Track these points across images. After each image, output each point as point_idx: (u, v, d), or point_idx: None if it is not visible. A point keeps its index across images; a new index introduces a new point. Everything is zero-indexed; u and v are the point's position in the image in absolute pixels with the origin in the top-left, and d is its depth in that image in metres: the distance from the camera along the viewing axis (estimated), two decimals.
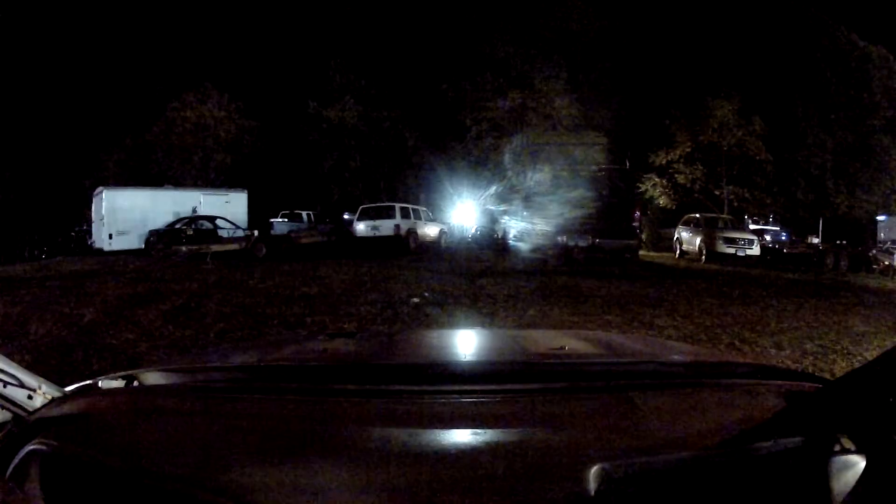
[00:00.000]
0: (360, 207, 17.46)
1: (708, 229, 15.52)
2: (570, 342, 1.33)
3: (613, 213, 13.54)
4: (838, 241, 16.05)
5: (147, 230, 14.57)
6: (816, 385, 0.87)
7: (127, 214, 14.95)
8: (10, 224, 21.03)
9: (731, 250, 14.59)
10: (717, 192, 22.95)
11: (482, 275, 9.17)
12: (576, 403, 0.76)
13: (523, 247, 15.55)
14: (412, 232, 16.10)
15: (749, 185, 22.93)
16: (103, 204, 14.93)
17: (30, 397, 0.79)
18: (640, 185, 22.32)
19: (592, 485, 0.59)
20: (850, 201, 23.08)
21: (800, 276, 11.24)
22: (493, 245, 16.98)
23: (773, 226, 24.22)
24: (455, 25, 21.99)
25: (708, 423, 0.71)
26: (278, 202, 23.44)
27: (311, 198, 25.57)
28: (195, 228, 14.31)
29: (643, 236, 19.00)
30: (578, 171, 21.04)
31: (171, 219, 15.02)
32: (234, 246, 13.28)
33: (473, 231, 20.61)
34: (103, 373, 0.86)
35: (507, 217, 19.66)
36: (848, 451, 0.66)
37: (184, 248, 12.36)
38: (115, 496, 0.61)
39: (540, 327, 5.13)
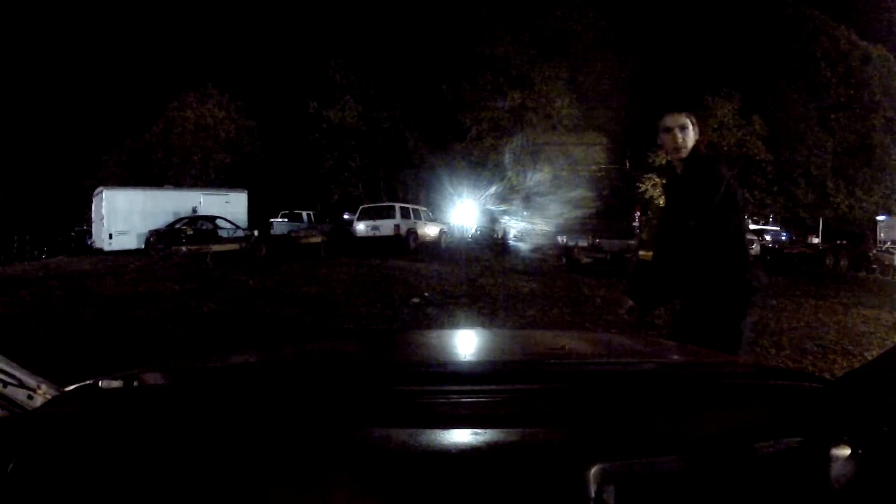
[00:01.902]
0: (360, 207, 17.46)
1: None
2: (570, 342, 1.33)
3: (613, 213, 13.57)
4: (838, 241, 16.03)
5: (147, 230, 14.57)
6: (816, 385, 0.87)
7: (127, 214, 14.94)
8: (10, 224, 21.03)
9: None
10: None
11: (482, 275, 9.17)
12: (576, 403, 0.76)
13: (523, 247, 15.55)
14: (412, 232, 16.10)
15: (749, 186, 22.92)
16: (103, 204, 14.92)
17: (30, 397, 0.79)
18: (640, 185, 22.33)
19: (592, 485, 0.59)
20: (850, 201, 23.09)
21: (799, 276, 11.24)
22: (493, 245, 16.97)
23: (773, 226, 24.21)
24: (455, 25, 21.97)
25: (708, 423, 0.71)
26: (278, 202, 23.44)
27: (311, 198, 25.58)
28: (195, 228, 14.31)
29: (643, 236, 19.01)
30: (578, 171, 21.06)
31: (171, 219, 15.01)
32: (234, 246, 13.29)
33: (473, 231, 20.61)
34: (103, 373, 0.86)
35: (507, 217, 19.66)
36: (848, 451, 0.66)
37: (184, 248, 12.36)
38: (115, 497, 0.61)
39: (540, 327, 5.13)
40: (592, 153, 21.37)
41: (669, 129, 1.89)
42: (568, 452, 0.63)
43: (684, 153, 1.89)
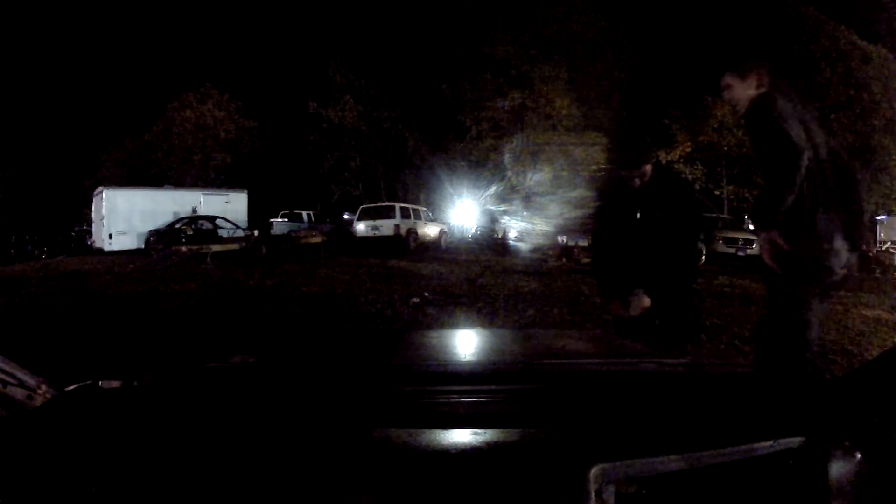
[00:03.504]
0: (360, 207, 17.45)
1: (707, 229, 15.49)
2: (570, 342, 1.33)
3: None
4: None
5: (147, 230, 14.57)
6: (816, 385, 0.87)
7: (127, 214, 14.95)
8: (10, 224, 21.04)
9: (731, 250, 14.58)
10: (717, 192, 22.96)
11: (482, 275, 9.17)
12: (575, 403, 0.76)
13: (523, 247, 15.54)
14: (412, 232, 16.10)
15: (749, 185, 22.92)
16: (103, 204, 14.93)
17: (30, 397, 0.79)
18: None
19: (592, 485, 0.59)
20: None
21: None
22: (493, 245, 16.95)
23: None
24: (455, 25, 21.97)
25: (708, 423, 0.71)
26: (278, 202, 23.46)
27: (311, 198, 25.61)
28: (195, 228, 14.32)
29: None
30: (578, 171, 21.05)
31: (171, 219, 15.02)
32: (234, 246, 13.28)
33: (473, 231, 20.60)
34: (103, 373, 0.86)
35: (507, 217, 19.64)
36: (848, 451, 0.66)
37: (184, 248, 12.35)
38: (115, 497, 0.61)
39: (540, 327, 5.13)
40: (592, 153, 21.36)
41: (631, 177, 2.20)
42: (568, 452, 0.63)
43: (641, 184, 2.21)
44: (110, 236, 14.73)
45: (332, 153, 24.12)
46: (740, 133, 22.19)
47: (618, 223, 2.26)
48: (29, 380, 0.80)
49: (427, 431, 0.66)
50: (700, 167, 22.58)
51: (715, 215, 18.02)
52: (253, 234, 14.36)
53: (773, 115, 1.94)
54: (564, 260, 12.92)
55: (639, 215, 2.17)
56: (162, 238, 13.71)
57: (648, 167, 2.17)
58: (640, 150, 2.18)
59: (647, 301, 2.10)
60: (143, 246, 14.26)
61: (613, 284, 2.24)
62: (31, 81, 26.12)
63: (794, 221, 1.72)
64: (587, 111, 21.84)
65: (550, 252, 13.92)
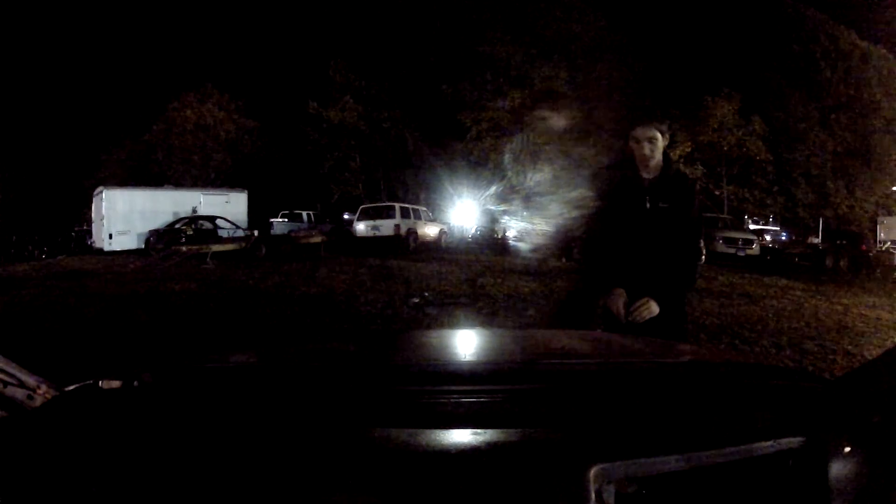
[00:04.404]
0: (360, 207, 17.46)
1: (707, 229, 15.50)
2: (570, 342, 1.34)
3: None
4: (838, 241, 16.05)
5: (147, 230, 14.58)
6: (816, 385, 0.87)
7: (127, 214, 14.96)
8: (10, 224, 21.05)
9: (731, 250, 14.59)
10: (717, 192, 22.96)
11: (482, 275, 9.17)
12: (575, 403, 0.76)
13: (523, 247, 15.54)
14: (412, 232, 16.10)
15: (749, 185, 22.93)
16: (103, 204, 14.93)
17: (30, 397, 0.79)
18: None
19: (592, 485, 0.59)
20: (850, 201, 23.09)
21: (799, 276, 11.24)
22: (493, 245, 16.95)
23: (773, 226, 24.21)
24: (455, 25, 21.97)
25: (708, 423, 0.71)
26: (278, 202, 23.47)
27: (311, 198, 25.62)
28: (195, 228, 14.33)
29: None
30: (578, 171, 21.06)
31: (171, 219, 15.03)
32: (234, 246, 13.27)
33: (473, 231, 20.61)
34: (103, 373, 0.86)
35: (507, 217, 19.66)
36: (848, 451, 0.66)
37: (184, 248, 12.35)
38: (115, 498, 0.61)
39: (540, 327, 5.13)
40: (592, 153, 21.38)
41: (639, 141, 1.97)
42: (568, 452, 0.63)
43: (652, 163, 1.98)
44: (110, 236, 14.73)
45: (332, 153, 24.12)
46: (740, 133, 22.22)
47: (622, 217, 2.06)
48: (29, 380, 0.80)
49: (427, 431, 0.66)
50: (700, 167, 22.58)
51: (715, 215, 18.03)
52: (253, 234, 14.36)
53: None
54: (564, 260, 12.93)
55: (647, 205, 1.98)
56: (162, 238, 13.73)
57: (660, 137, 1.95)
58: (653, 111, 2.07)
59: (622, 300, 1.94)
60: (143, 246, 14.27)
61: (610, 277, 2.04)
62: (32, 82, 26.14)
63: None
64: (587, 111, 21.84)
65: (550, 252, 13.92)
